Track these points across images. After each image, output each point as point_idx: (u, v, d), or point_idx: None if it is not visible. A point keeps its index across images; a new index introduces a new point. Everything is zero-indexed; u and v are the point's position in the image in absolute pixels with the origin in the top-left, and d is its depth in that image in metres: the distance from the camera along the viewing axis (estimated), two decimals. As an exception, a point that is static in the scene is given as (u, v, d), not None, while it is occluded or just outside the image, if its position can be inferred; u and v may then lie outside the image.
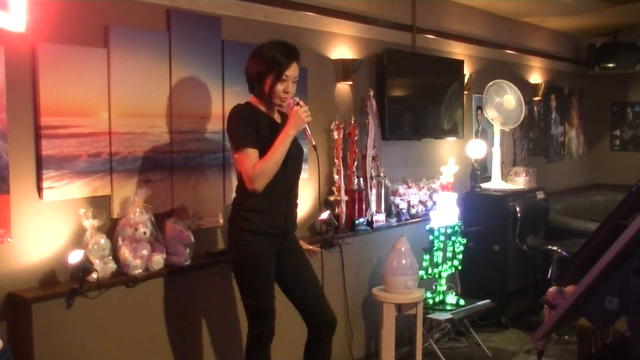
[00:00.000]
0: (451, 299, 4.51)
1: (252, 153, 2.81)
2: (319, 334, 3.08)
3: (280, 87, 2.87)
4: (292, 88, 2.91)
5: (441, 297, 4.50)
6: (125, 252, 2.94)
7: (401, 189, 4.56)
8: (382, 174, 4.33)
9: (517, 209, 5.04)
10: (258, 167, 2.79)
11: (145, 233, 2.98)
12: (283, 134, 2.85)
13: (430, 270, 4.41)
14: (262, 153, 2.85)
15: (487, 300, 4.60)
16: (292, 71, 2.89)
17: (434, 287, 4.53)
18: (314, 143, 2.94)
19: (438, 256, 4.44)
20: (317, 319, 3.07)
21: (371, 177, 4.25)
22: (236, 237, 2.95)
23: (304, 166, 3.28)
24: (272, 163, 2.80)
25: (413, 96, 4.78)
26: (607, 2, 5.38)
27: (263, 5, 3.63)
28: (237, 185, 3.04)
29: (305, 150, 3.22)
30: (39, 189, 2.75)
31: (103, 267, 2.86)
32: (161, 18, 3.18)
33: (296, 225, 3.13)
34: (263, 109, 2.96)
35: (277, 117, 3.02)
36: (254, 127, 2.86)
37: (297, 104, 2.88)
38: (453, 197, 4.55)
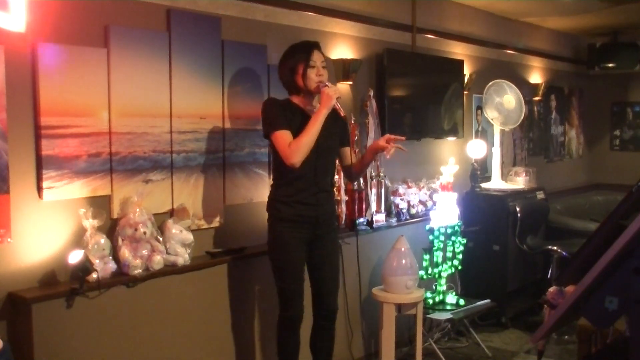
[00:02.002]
0: (451, 299, 4.51)
1: (285, 133, 3.05)
2: (320, 321, 3.30)
3: (311, 73, 3.11)
4: (324, 72, 3.15)
5: (441, 297, 4.49)
6: (125, 252, 2.94)
7: (401, 189, 4.56)
8: (382, 174, 4.33)
9: (517, 209, 5.04)
10: (293, 143, 3.03)
11: (145, 233, 2.98)
12: (316, 112, 3.09)
13: (430, 270, 4.41)
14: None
15: (487, 300, 4.60)
16: (317, 56, 3.14)
17: (434, 287, 4.52)
18: (343, 113, 3.15)
19: (438, 256, 4.44)
20: (321, 307, 3.28)
21: (371, 177, 4.25)
22: (269, 223, 3.22)
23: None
24: (306, 139, 3.02)
25: (413, 96, 4.78)
26: (607, 2, 5.38)
27: (263, 5, 3.63)
28: (272, 175, 3.26)
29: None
30: (39, 189, 2.76)
31: (103, 267, 2.86)
32: (161, 18, 3.18)
33: (332, 214, 3.32)
34: (300, 105, 3.18)
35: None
36: (283, 114, 3.10)
37: (326, 85, 3.12)
38: (453, 197, 4.55)
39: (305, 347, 3.36)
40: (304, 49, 3.14)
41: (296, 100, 3.19)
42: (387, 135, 3.29)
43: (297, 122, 3.10)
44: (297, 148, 3.00)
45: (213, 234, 3.45)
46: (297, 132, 3.06)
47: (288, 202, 3.13)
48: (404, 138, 3.35)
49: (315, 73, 3.11)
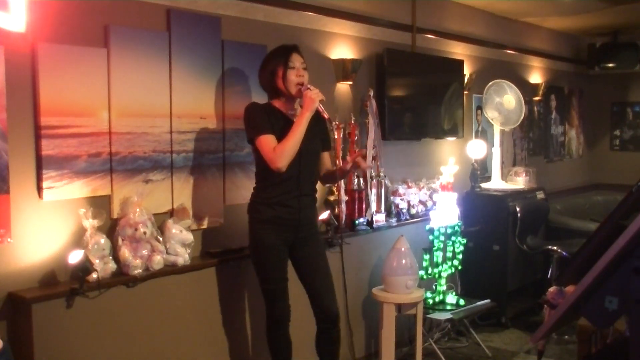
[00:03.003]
0: (451, 299, 4.51)
1: (269, 138, 3.03)
2: (321, 324, 3.26)
3: (292, 75, 3.09)
4: (304, 73, 3.12)
5: (441, 297, 4.49)
6: (125, 252, 2.94)
7: (401, 189, 4.56)
8: (382, 174, 4.33)
9: (517, 209, 5.04)
10: (278, 148, 3.01)
11: (145, 233, 2.98)
12: (299, 116, 3.07)
13: (430, 270, 4.41)
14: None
15: (487, 300, 4.60)
16: (296, 58, 3.12)
17: (434, 287, 4.52)
18: (327, 116, 3.14)
19: (438, 256, 4.44)
20: (318, 310, 3.25)
21: (371, 177, 4.25)
22: (250, 226, 3.20)
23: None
24: (290, 143, 3.00)
25: (413, 96, 4.78)
26: (607, 2, 5.38)
27: (263, 5, 3.63)
28: (255, 177, 3.23)
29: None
30: (39, 189, 2.76)
31: (103, 267, 2.86)
32: (161, 18, 3.18)
33: (313, 218, 3.29)
34: (282, 109, 3.16)
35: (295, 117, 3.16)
36: (267, 118, 3.08)
37: (308, 88, 3.09)
38: (453, 197, 4.55)
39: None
40: (283, 52, 3.12)
41: (277, 104, 3.16)
42: (351, 159, 3.23)
43: (280, 126, 3.08)
44: (281, 152, 2.98)
45: (213, 234, 3.45)
46: (279, 136, 3.03)
47: (269, 204, 3.11)
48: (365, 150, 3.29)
49: (295, 74, 3.08)
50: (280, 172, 3.01)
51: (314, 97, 3.04)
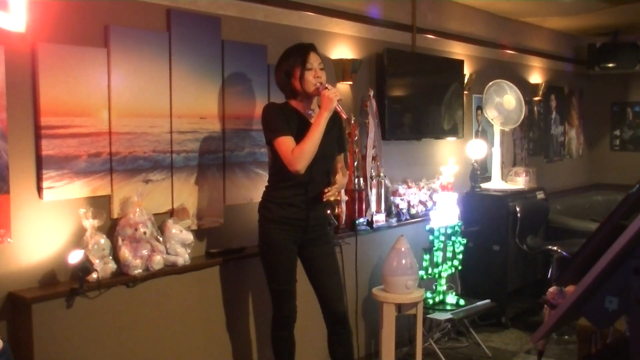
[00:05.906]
0: (451, 299, 4.51)
1: (287, 139, 3.02)
2: (330, 326, 3.27)
3: (309, 75, 3.06)
4: (322, 74, 3.10)
5: (441, 297, 4.50)
6: (125, 252, 2.94)
7: (401, 189, 4.56)
8: (382, 174, 4.32)
9: (517, 209, 5.04)
10: (296, 150, 2.99)
11: (145, 233, 2.98)
12: (317, 116, 3.05)
13: (430, 270, 4.41)
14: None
15: (487, 300, 4.60)
16: (314, 58, 3.09)
17: (434, 287, 4.53)
18: (345, 116, 3.13)
19: (438, 256, 4.44)
20: (326, 311, 3.25)
21: (371, 177, 4.24)
22: (260, 225, 3.20)
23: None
24: (309, 144, 2.99)
25: (413, 96, 4.78)
26: (607, 2, 5.38)
27: (263, 5, 3.63)
28: (269, 177, 3.25)
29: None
30: (39, 189, 2.76)
31: (103, 267, 2.86)
32: (161, 18, 3.18)
33: (323, 219, 3.28)
34: (299, 109, 3.14)
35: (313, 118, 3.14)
36: (284, 119, 3.07)
37: (325, 87, 3.06)
38: (453, 197, 4.55)
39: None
40: (300, 52, 3.08)
41: (294, 104, 3.14)
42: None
43: (297, 126, 3.06)
44: (300, 154, 2.97)
45: (213, 234, 3.45)
46: (296, 137, 3.02)
47: (280, 204, 3.11)
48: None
49: (312, 75, 3.06)
50: (299, 174, 3.00)
51: (332, 97, 3.01)
